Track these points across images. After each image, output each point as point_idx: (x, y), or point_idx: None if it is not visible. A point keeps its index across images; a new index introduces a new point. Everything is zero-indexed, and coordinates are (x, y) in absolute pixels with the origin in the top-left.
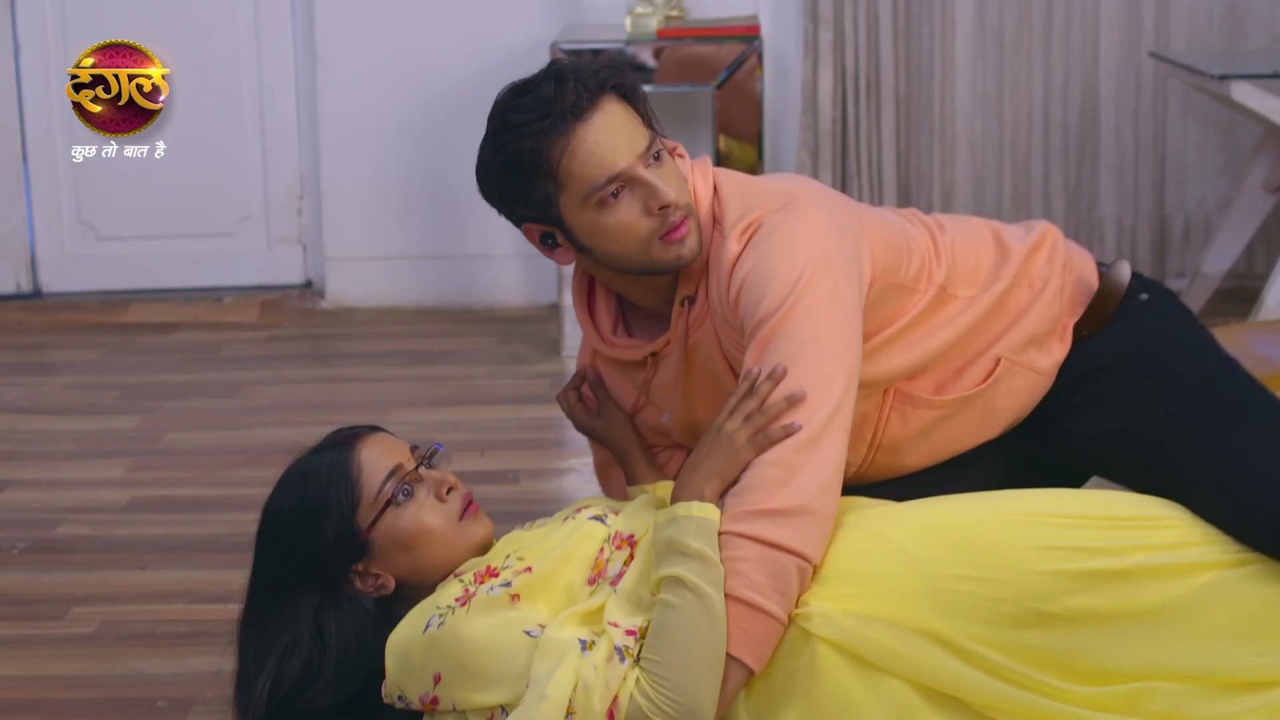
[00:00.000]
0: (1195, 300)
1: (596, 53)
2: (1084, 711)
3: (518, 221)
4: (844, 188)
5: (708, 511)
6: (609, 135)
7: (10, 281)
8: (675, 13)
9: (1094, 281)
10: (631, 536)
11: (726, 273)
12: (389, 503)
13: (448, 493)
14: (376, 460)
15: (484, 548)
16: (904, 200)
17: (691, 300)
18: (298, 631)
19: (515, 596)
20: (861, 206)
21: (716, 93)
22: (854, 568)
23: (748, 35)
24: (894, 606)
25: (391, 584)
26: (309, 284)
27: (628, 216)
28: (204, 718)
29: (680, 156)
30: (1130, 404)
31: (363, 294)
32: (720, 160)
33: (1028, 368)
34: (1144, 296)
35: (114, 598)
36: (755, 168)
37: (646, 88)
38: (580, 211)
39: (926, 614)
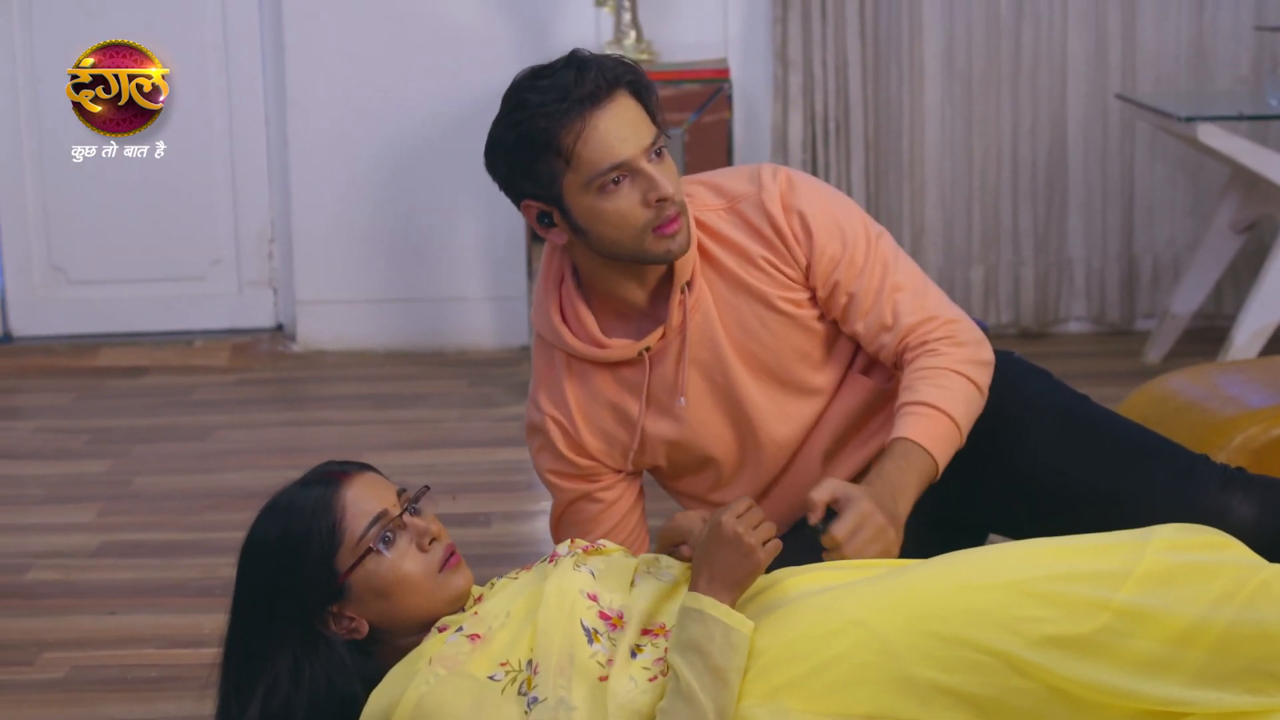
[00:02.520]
0: (1164, 340)
1: None
2: None
3: (518, 198)
4: None
5: (740, 624)
6: (619, 125)
7: None
8: (645, 56)
9: None
10: (621, 614)
11: (777, 203)
12: (370, 549)
13: (430, 543)
14: (361, 503)
15: (462, 600)
16: None
17: (689, 286)
18: (277, 670)
19: (475, 636)
20: None
21: (686, 135)
22: (828, 660)
23: (717, 78)
24: (871, 701)
25: (365, 628)
26: (280, 327)
27: (626, 204)
28: None
29: None
30: (1004, 434)
31: (333, 337)
32: None
33: None
34: (1014, 355)
35: (84, 643)
36: None
37: None
38: (582, 194)
39: (905, 705)
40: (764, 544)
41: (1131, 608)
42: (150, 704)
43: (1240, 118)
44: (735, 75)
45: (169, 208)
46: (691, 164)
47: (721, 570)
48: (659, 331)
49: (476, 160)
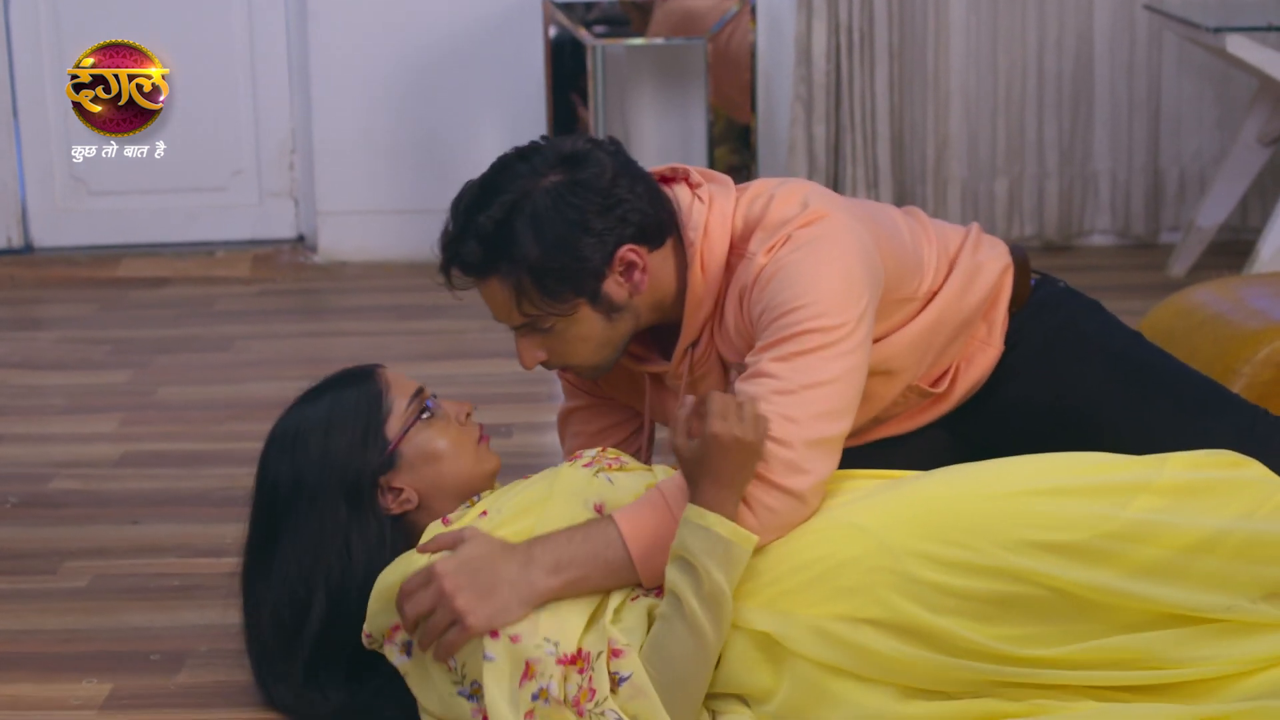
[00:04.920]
0: (1189, 253)
1: (589, 5)
2: (1061, 674)
3: None
4: (838, 141)
5: (743, 540)
6: (488, 299)
7: (1, 236)
8: None
9: (1010, 260)
10: None
11: (751, 281)
12: (420, 414)
13: (467, 417)
14: (402, 381)
15: (494, 477)
16: (898, 154)
17: (695, 345)
18: (333, 550)
19: (483, 513)
20: (875, 214)
21: (709, 46)
22: (833, 566)
23: None
24: (878, 605)
25: (415, 499)
26: (301, 238)
27: None
28: (197, 671)
29: (695, 188)
30: (1057, 377)
31: (355, 248)
32: (712, 114)
33: (985, 345)
34: (1061, 284)
35: (106, 552)
36: (748, 121)
37: (638, 40)
38: None
39: (912, 608)
40: (755, 426)
41: (1140, 520)
42: (172, 612)
43: (1270, 29)
44: None
45: (190, 118)
46: (715, 77)
47: (727, 476)
48: (660, 367)
49: (499, 71)
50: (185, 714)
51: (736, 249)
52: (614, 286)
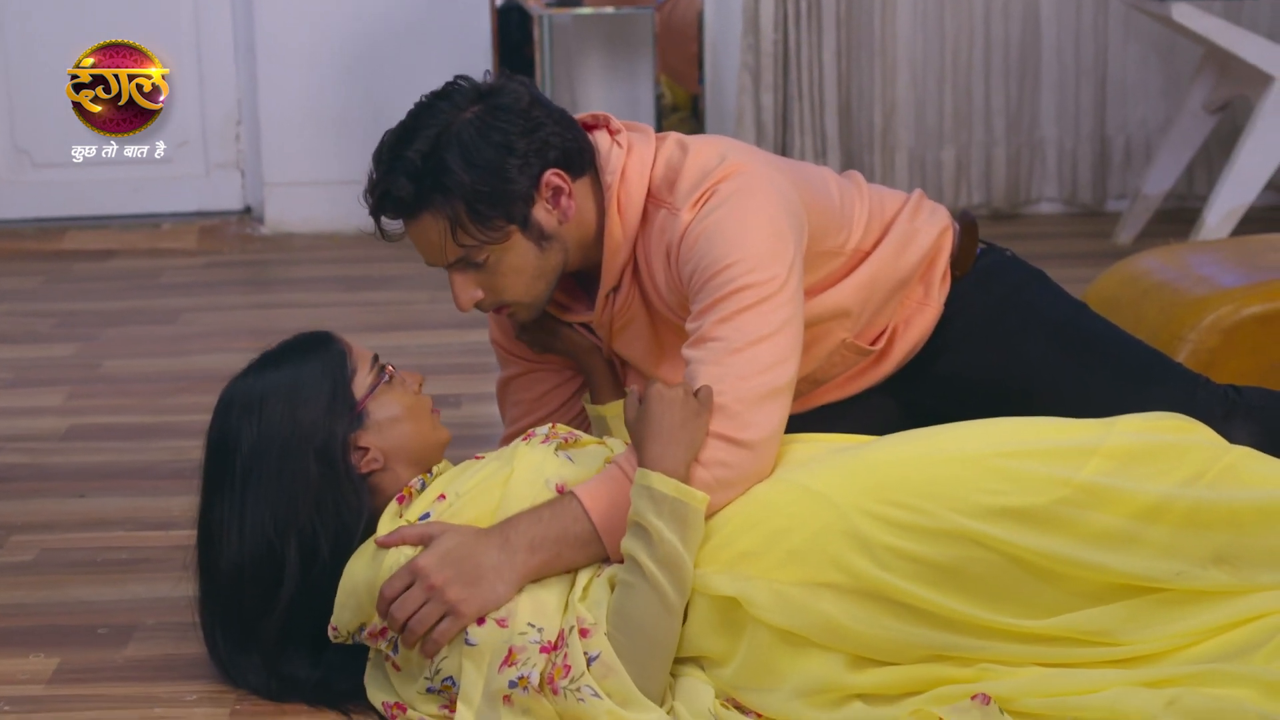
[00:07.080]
0: (1136, 221)
1: None
2: (1019, 648)
3: None
4: (786, 110)
5: (690, 498)
6: (416, 239)
7: None
8: None
9: (951, 224)
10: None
11: (678, 239)
12: (383, 375)
13: (419, 388)
14: (359, 347)
15: (443, 448)
16: (846, 122)
17: (616, 290)
18: (305, 506)
19: (441, 496)
20: (797, 167)
21: (657, 14)
22: (785, 526)
23: None
24: (834, 568)
25: (382, 459)
26: (248, 210)
27: None
28: (145, 644)
29: (615, 134)
30: (1001, 348)
31: (302, 219)
32: (659, 84)
33: (923, 305)
34: (1008, 253)
35: (53, 526)
36: (696, 90)
37: (585, 10)
38: None
39: (867, 571)
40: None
41: (1094, 484)
42: (120, 586)
43: None
44: None
45: None
46: (663, 47)
47: (669, 431)
48: (585, 316)
49: (446, 40)
50: (133, 687)
51: (654, 197)
52: (543, 213)
